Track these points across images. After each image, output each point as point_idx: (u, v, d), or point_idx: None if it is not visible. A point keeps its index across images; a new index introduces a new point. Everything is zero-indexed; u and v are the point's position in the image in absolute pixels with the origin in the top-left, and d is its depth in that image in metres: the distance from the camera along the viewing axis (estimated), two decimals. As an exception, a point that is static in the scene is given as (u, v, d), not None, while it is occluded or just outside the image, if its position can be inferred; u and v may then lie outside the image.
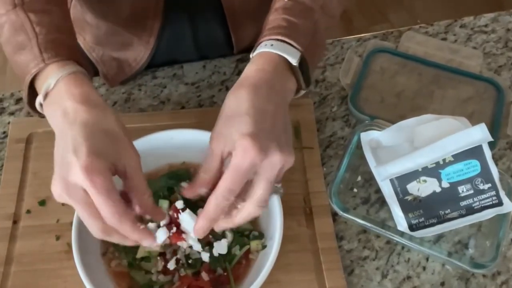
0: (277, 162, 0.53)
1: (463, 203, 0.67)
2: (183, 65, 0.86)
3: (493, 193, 0.67)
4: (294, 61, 0.58)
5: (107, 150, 0.52)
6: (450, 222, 0.68)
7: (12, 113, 0.81)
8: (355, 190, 0.73)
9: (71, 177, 0.50)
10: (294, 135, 0.77)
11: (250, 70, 0.58)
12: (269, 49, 0.58)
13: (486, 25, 0.92)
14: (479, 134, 0.64)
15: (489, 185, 0.67)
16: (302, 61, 0.59)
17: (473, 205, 0.67)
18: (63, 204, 0.69)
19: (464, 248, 0.69)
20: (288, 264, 0.66)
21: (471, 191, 0.67)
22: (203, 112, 0.80)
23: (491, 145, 0.70)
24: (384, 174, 0.68)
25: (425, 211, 0.68)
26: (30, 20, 0.59)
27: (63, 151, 0.51)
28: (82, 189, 0.50)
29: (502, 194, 0.67)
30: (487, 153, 0.66)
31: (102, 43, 0.86)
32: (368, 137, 0.72)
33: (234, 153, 0.52)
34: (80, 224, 0.62)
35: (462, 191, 0.67)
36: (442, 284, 0.67)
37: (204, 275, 0.62)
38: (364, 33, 0.91)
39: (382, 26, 2.03)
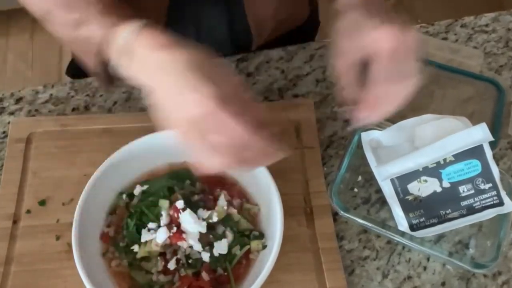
0: (415, 35, 0.56)
1: (464, 203, 0.67)
2: (184, 64, 0.86)
3: (494, 193, 0.67)
4: None
5: (215, 78, 0.51)
6: (451, 222, 0.68)
7: (12, 113, 0.80)
8: (355, 190, 0.73)
9: (198, 110, 0.49)
10: (294, 134, 0.77)
11: None
12: None
13: (486, 25, 0.92)
14: (480, 133, 0.64)
15: (490, 185, 0.66)
16: None
17: (474, 205, 0.67)
18: (63, 204, 0.71)
19: (465, 248, 0.69)
20: (288, 264, 0.66)
21: (472, 191, 0.67)
22: (204, 112, 0.79)
23: (492, 145, 0.70)
24: (384, 174, 0.67)
25: (425, 211, 0.68)
26: None
27: (177, 93, 0.50)
28: (209, 122, 0.49)
29: (503, 194, 0.67)
30: (488, 153, 0.65)
31: None
32: (369, 137, 0.72)
33: (379, 44, 0.55)
34: (81, 224, 0.63)
35: (463, 191, 0.67)
36: (443, 284, 0.67)
37: (205, 275, 0.62)
38: (365, 32, 0.91)
39: (382, 26, 2.02)
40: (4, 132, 0.78)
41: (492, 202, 0.67)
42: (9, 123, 0.78)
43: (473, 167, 0.66)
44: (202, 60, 0.52)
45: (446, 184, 0.67)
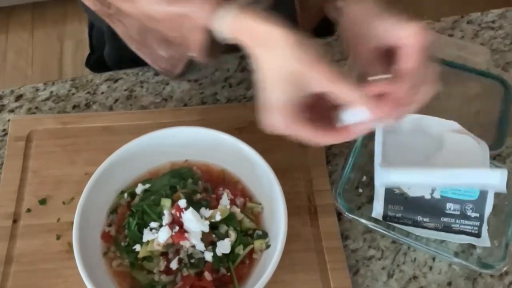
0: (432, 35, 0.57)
1: (444, 219, 0.67)
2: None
3: (477, 223, 0.66)
4: None
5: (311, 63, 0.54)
6: (424, 230, 0.67)
7: (12, 111, 0.80)
8: (360, 190, 0.72)
9: (310, 89, 0.53)
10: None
11: None
12: None
13: (493, 21, 0.91)
14: (497, 180, 0.63)
15: (477, 215, 0.66)
16: None
17: (453, 226, 0.67)
18: (64, 203, 0.70)
19: (471, 248, 0.68)
20: (292, 264, 0.65)
21: (457, 212, 0.66)
22: (206, 109, 0.79)
23: (499, 144, 0.69)
24: (385, 180, 0.66)
25: (405, 209, 0.67)
26: None
27: (286, 78, 0.53)
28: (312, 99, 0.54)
29: (484, 229, 0.66)
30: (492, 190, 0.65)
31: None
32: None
33: (409, 40, 0.55)
34: (81, 223, 0.62)
35: (449, 209, 0.66)
36: (449, 284, 0.66)
37: (207, 275, 0.61)
38: (369, 29, 0.90)
39: (386, 23, 2.01)
40: (4, 130, 0.78)
41: (471, 231, 0.67)
42: (9, 121, 0.78)
43: (470, 192, 0.66)
44: (305, 41, 0.53)
45: (437, 195, 0.66)
